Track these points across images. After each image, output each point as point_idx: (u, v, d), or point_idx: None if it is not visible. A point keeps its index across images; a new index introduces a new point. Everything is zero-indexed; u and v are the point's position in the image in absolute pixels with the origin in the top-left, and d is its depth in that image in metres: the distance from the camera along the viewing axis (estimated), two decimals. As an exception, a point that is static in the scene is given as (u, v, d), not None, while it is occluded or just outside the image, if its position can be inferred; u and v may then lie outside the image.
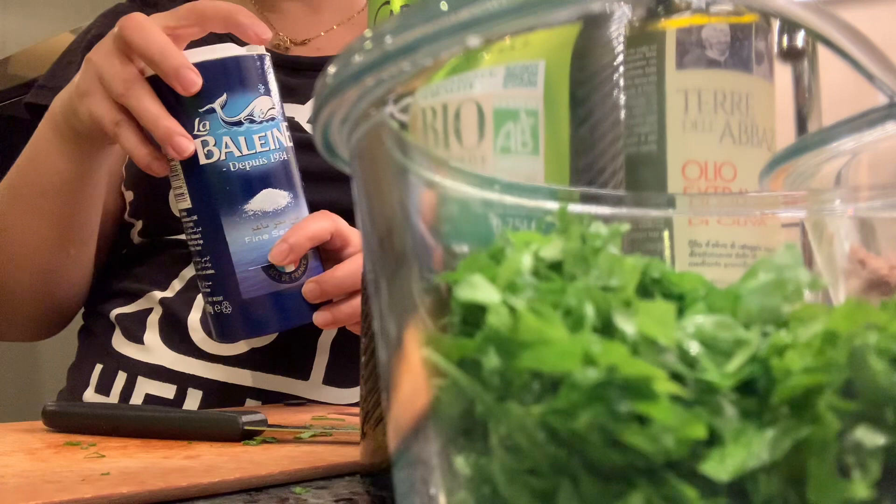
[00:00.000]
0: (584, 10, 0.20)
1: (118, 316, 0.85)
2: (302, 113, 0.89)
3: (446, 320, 0.20)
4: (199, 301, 0.82)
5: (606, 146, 0.29)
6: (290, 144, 0.69)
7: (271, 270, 0.66)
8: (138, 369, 0.82)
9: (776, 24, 0.31)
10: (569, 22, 0.28)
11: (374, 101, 0.21)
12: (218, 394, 0.80)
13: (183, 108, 0.65)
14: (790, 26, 0.31)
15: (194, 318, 0.82)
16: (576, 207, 0.25)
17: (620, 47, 0.29)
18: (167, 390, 0.81)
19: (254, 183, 0.66)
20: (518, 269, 0.20)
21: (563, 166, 0.29)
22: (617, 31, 0.29)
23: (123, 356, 0.83)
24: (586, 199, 0.26)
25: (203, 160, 0.65)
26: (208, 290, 0.68)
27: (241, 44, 0.68)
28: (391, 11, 0.38)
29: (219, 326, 0.68)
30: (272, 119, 0.67)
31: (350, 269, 0.69)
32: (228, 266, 0.66)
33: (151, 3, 0.95)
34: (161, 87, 0.65)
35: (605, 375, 0.17)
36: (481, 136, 0.29)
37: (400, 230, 0.22)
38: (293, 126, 0.85)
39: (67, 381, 0.90)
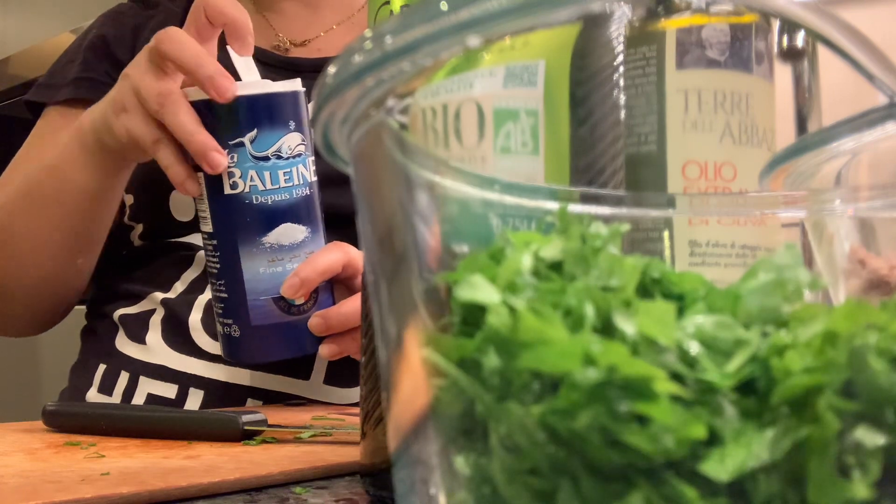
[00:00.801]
0: (584, 10, 0.20)
1: (122, 317, 0.85)
2: None
3: (446, 320, 0.20)
4: (200, 302, 0.82)
5: (606, 146, 0.29)
6: (315, 179, 0.70)
7: (282, 302, 0.68)
8: (140, 369, 0.82)
9: (776, 24, 0.31)
10: (569, 22, 0.28)
11: (374, 101, 0.21)
12: (219, 394, 0.80)
13: (213, 136, 0.66)
14: (790, 26, 0.31)
15: (195, 319, 0.82)
16: (576, 207, 0.25)
17: (620, 47, 0.29)
18: (169, 390, 0.81)
19: (274, 217, 0.68)
20: (518, 269, 0.20)
21: (563, 166, 0.29)
22: (617, 31, 0.29)
23: (126, 356, 0.83)
24: (586, 199, 0.26)
25: (227, 190, 0.67)
26: (220, 311, 0.70)
27: (277, 77, 0.69)
28: (391, 11, 0.38)
29: (227, 347, 0.70)
30: (299, 155, 0.69)
31: (356, 305, 0.70)
32: (241, 293, 0.68)
33: (153, 4, 0.95)
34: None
35: (605, 375, 0.17)
36: (481, 136, 0.29)
37: (400, 230, 0.22)
38: None
39: (70, 380, 0.90)
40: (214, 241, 0.69)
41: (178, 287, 0.84)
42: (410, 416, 0.21)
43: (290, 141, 0.68)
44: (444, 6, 0.18)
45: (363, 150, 0.23)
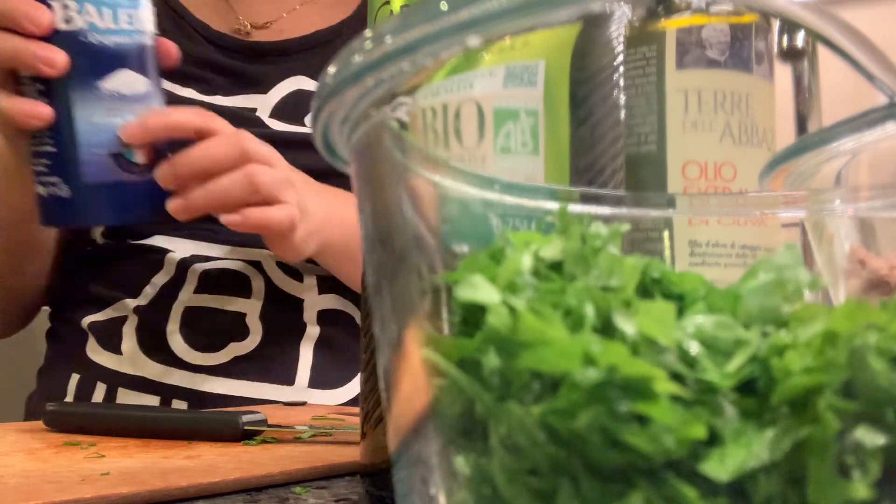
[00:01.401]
0: (584, 10, 0.20)
1: (91, 324, 0.82)
2: (265, 103, 0.85)
3: (446, 320, 0.20)
4: (177, 309, 0.80)
5: (606, 146, 0.29)
6: (155, 32, 0.64)
7: (120, 158, 0.62)
8: (118, 380, 0.80)
9: (776, 24, 0.31)
10: (569, 22, 0.28)
11: (374, 101, 0.21)
12: (202, 404, 0.78)
13: None
14: (790, 26, 0.31)
15: (173, 328, 0.80)
16: (576, 207, 0.25)
17: (620, 47, 0.29)
18: (151, 402, 0.78)
19: (113, 60, 0.61)
20: (518, 269, 0.20)
21: (563, 166, 0.29)
22: (617, 31, 0.29)
23: (100, 366, 0.81)
24: (586, 199, 0.26)
25: (61, 24, 0.60)
26: (45, 168, 0.62)
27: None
28: (391, 11, 0.38)
29: (49, 210, 0.63)
30: None
31: (205, 147, 0.64)
32: (72, 145, 0.61)
33: None
34: None
35: (605, 375, 0.17)
36: (481, 136, 0.29)
37: (400, 230, 0.22)
38: (254, 122, 0.82)
39: (39, 384, 0.87)
40: (40, 86, 0.61)
41: (149, 292, 0.81)
42: (410, 416, 0.21)
43: None
44: (444, 6, 0.18)
45: (363, 150, 0.23)
